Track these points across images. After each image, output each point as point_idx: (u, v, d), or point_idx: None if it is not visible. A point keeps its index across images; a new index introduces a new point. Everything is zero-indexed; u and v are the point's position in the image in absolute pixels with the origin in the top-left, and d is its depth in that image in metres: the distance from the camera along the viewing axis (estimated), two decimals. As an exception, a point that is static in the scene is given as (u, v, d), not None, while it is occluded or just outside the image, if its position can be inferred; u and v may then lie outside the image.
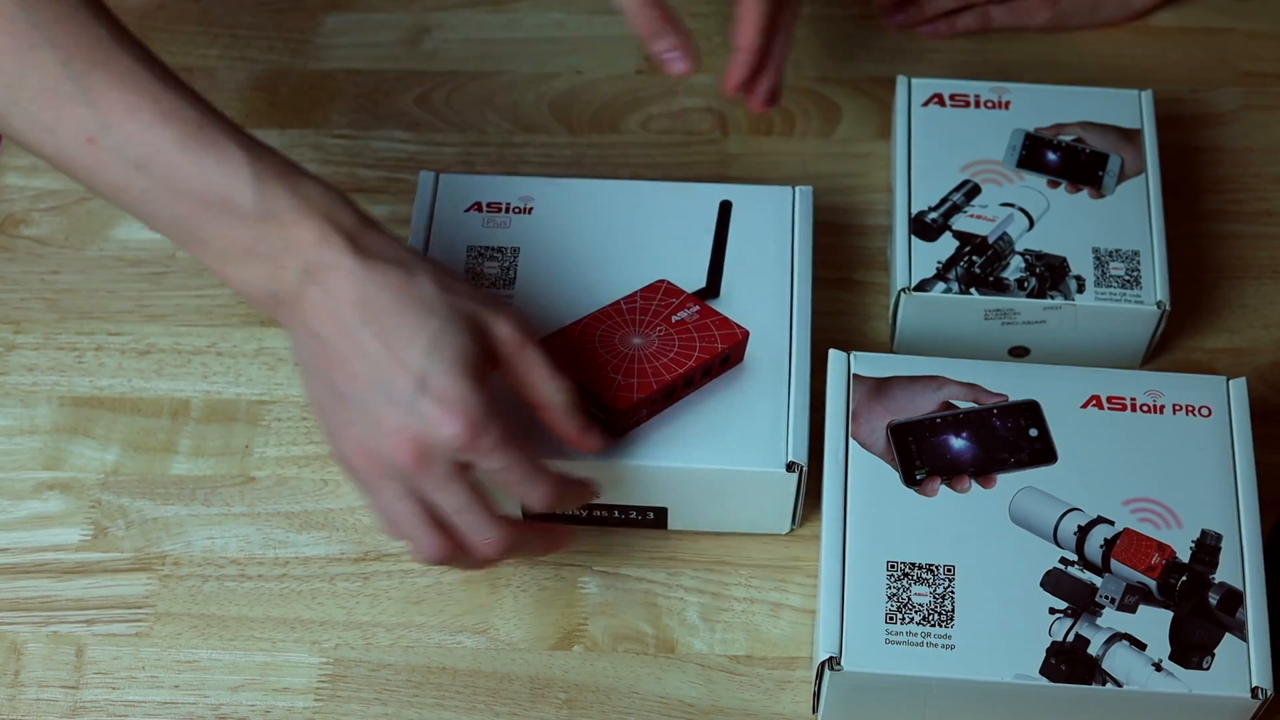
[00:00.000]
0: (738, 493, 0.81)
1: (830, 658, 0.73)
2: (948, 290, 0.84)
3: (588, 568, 0.84)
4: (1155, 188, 0.87)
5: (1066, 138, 0.88)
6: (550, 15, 1.04)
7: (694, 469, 0.79)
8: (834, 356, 0.80)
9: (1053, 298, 0.84)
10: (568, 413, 0.74)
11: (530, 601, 0.83)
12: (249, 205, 0.68)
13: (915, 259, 0.85)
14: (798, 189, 0.87)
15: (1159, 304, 0.84)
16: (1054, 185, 0.87)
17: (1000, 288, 0.84)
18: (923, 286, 0.84)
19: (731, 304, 0.83)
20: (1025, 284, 0.84)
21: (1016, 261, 0.84)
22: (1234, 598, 0.74)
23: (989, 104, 0.89)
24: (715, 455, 0.79)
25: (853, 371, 0.80)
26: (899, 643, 0.74)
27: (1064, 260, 0.84)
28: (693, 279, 0.84)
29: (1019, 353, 0.87)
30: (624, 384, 0.80)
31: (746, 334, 0.82)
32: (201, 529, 0.85)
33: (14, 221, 0.96)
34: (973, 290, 0.84)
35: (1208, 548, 0.76)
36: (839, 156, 0.98)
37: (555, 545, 0.79)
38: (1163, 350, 0.90)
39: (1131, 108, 0.90)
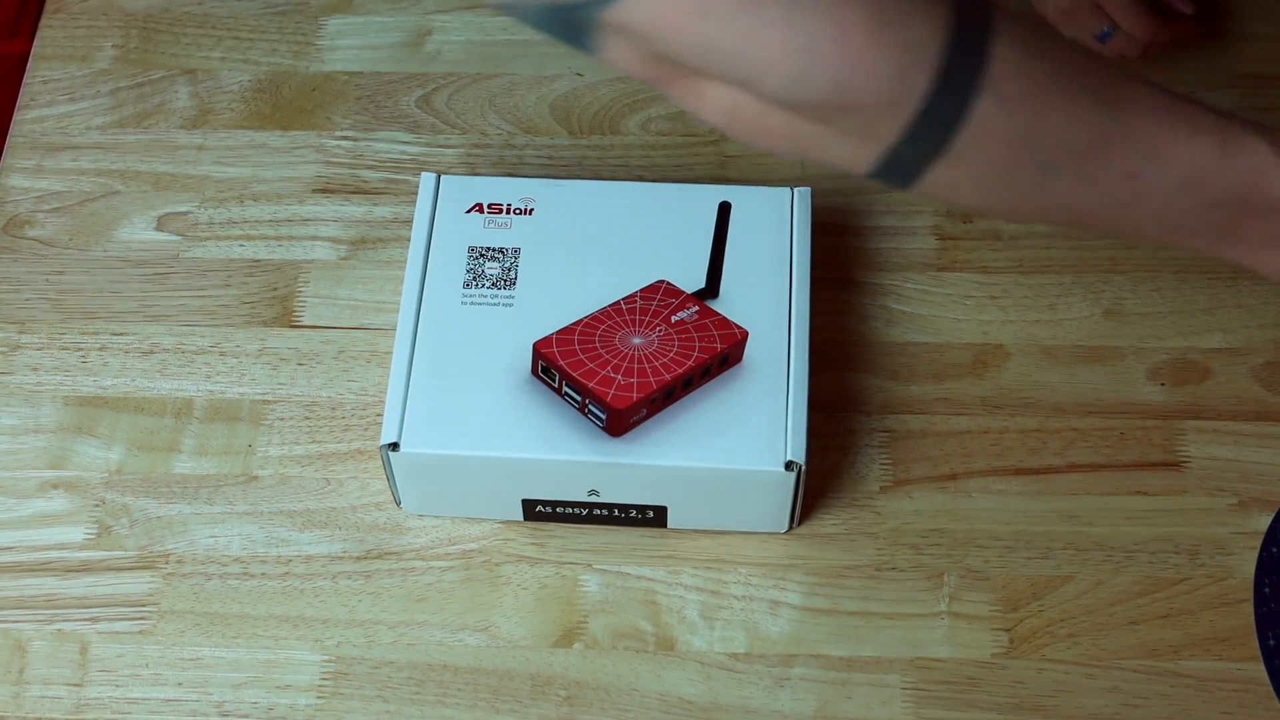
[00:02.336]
0: (736, 492, 0.81)
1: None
2: None
3: (588, 566, 0.84)
4: None
5: None
6: (551, 17, 1.04)
7: (693, 468, 0.80)
8: None
9: None
10: None
11: (531, 599, 0.83)
12: None
13: None
14: (796, 190, 0.88)
15: None
16: None
17: None
18: None
19: (731, 304, 0.84)
20: None
21: None
22: None
23: None
24: (714, 455, 0.79)
25: None
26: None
27: None
28: (692, 279, 0.85)
29: None
30: (624, 384, 0.80)
31: (745, 334, 0.83)
32: (205, 527, 0.86)
33: (19, 222, 0.96)
34: None
35: None
36: (838, 158, 0.98)
37: None
38: (1157, 350, 0.91)
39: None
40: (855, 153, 0.63)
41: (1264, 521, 0.85)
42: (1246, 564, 0.84)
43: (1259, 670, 0.81)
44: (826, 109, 0.61)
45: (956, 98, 0.61)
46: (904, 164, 0.63)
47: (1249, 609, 0.83)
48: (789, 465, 0.79)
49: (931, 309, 0.92)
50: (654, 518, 0.84)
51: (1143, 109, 0.64)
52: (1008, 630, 0.82)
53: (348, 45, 1.03)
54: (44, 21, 1.04)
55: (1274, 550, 0.83)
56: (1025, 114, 0.62)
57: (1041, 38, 0.63)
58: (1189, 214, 0.67)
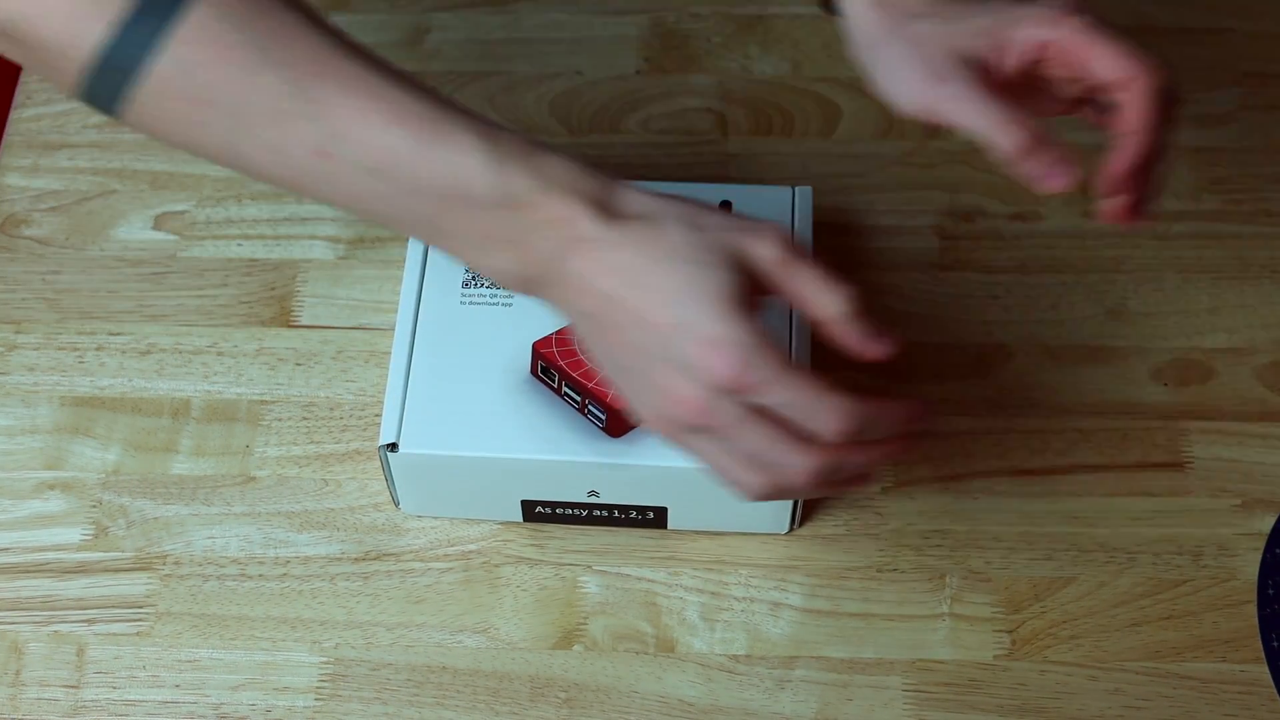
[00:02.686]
0: (737, 492, 0.81)
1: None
2: None
3: (588, 567, 0.84)
4: None
5: None
6: (550, 15, 1.04)
7: (693, 469, 0.79)
8: None
9: None
10: (849, 322, 0.69)
11: (530, 601, 0.83)
12: (488, 194, 0.67)
13: None
14: (797, 189, 0.87)
15: None
16: None
17: None
18: None
19: (731, 304, 0.83)
20: None
21: None
22: None
23: None
24: (715, 455, 0.79)
25: None
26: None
27: None
28: (692, 279, 0.84)
29: None
30: (624, 384, 0.80)
31: (746, 334, 0.82)
32: (202, 528, 0.85)
33: (15, 221, 0.96)
34: None
35: None
36: (839, 156, 0.98)
37: (902, 450, 0.70)
38: (1160, 350, 0.91)
39: None
40: (53, 79, 0.68)
41: (1268, 523, 0.85)
42: (1250, 565, 0.84)
43: (1262, 672, 0.81)
44: (4, 36, 0.66)
45: (131, 53, 0.65)
46: (97, 100, 0.67)
47: (1252, 610, 0.82)
48: (790, 466, 0.79)
49: (933, 308, 0.92)
50: (654, 519, 0.83)
51: (343, 90, 0.67)
52: (1010, 632, 0.82)
53: (346, 43, 1.03)
54: (41, 19, 1.03)
55: (1278, 551, 0.83)
56: (204, 79, 0.66)
57: (251, 7, 0.66)
58: (386, 200, 0.68)
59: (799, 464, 0.67)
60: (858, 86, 1.01)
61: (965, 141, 0.98)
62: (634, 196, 0.68)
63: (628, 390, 0.70)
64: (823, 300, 0.69)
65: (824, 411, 0.66)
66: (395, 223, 0.70)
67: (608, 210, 0.67)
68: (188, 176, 0.97)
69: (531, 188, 0.67)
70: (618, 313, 0.67)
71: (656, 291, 0.66)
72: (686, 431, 0.69)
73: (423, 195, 0.67)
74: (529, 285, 0.69)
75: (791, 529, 0.84)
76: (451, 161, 0.67)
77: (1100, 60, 0.75)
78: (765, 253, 0.68)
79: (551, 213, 0.67)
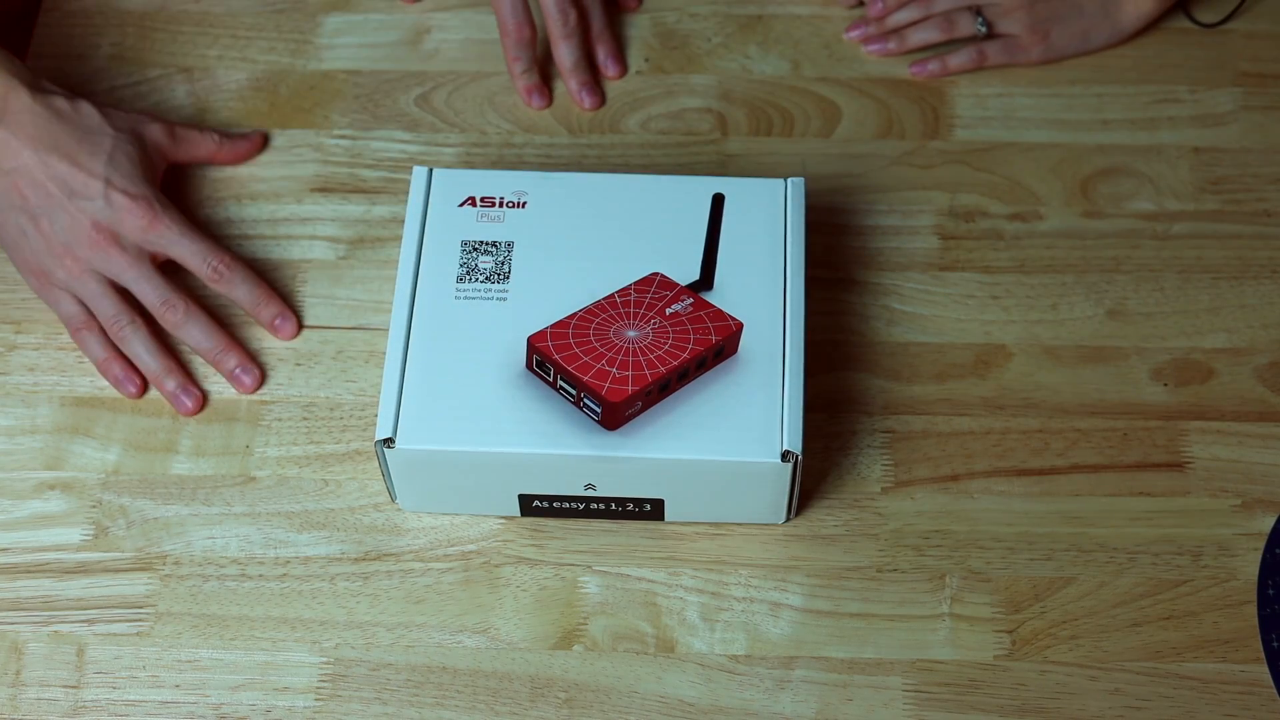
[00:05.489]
0: (733, 483, 0.81)
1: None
2: None
3: (588, 567, 0.84)
4: None
5: None
6: (550, 16, 1.04)
7: (690, 460, 0.79)
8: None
9: None
10: (229, 145, 0.95)
11: (530, 601, 0.83)
12: None
13: None
14: (789, 180, 0.87)
15: None
16: None
17: None
18: None
19: (725, 296, 0.83)
20: None
21: None
22: None
23: None
24: (710, 446, 0.79)
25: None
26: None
27: None
28: (686, 272, 0.84)
29: None
30: (619, 377, 0.80)
31: (740, 325, 0.82)
32: (202, 529, 0.85)
33: (15, 222, 0.96)
34: None
35: None
36: (839, 156, 0.98)
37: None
38: (1160, 350, 0.91)
39: None
40: None
41: (1267, 523, 0.85)
42: (1250, 565, 0.84)
43: (1262, 672, 0.81)
44: None
45: None
46: None
47: (1252, 611, 0.82)
48: (785, 455, 0.79)
49: (933, 309, 0.92)
50: (651, 510, 0.83)
51: None
52: (1010, 632, 0.82)
53: (346, 43, 1.03)
54: (40, 20, 1.03)
55: (1277, 552, 0.83)
56: None
57: None
58: None
59: (171, 294, 0.88)
60: (858, 86, 1.01)
61: (965, 141, 0.98)
62: (54, 89, 0.89)
63: (34, 240, 0.87)
64: (203, 142, 0.94)
65: (217, 253, 0.89)
66: None
67: (36, 91, 0.87)
68: (188, 177, 0.97)
69: None
70: (44, 169, 0.86)
71: (84, 155, 0.87)
72: (85, 269, 0.87)
73: None
74: None
75: (788, 518, 0.84)
76: None
77: None
78: (154, 130, 0.92)
79: None
